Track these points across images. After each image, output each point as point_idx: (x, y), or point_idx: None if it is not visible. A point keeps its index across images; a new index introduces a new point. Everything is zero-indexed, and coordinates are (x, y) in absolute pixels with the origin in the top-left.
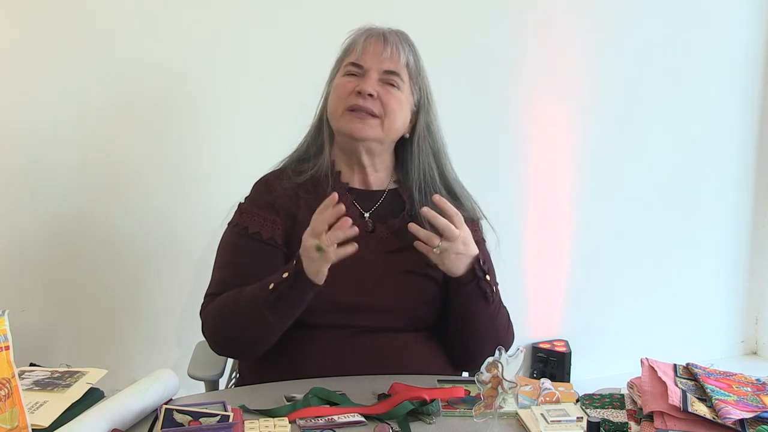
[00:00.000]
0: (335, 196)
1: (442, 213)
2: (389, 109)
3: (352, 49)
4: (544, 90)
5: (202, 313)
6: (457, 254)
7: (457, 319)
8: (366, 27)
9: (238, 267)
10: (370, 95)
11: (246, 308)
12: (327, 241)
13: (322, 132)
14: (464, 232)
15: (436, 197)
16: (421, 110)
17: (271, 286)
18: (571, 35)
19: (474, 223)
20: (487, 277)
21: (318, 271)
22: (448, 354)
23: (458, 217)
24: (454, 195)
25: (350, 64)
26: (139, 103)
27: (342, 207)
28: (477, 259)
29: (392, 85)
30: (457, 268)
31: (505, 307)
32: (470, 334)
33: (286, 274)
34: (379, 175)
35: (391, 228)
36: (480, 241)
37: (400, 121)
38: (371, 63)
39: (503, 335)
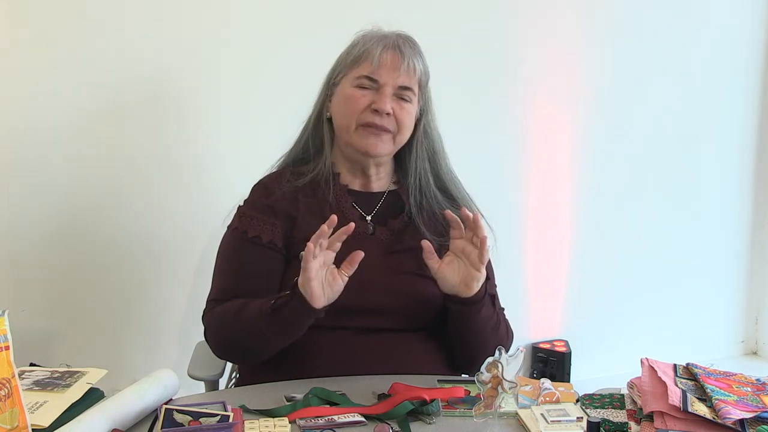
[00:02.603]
0: (325, 230)
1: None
2: (403, 125)
3: (365, 60)
4: (544, 90)
5: (204, 318)
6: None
7: (462, 334)
8: (376, 34)
9: (238, 273)
10: (387, 113)
11: (247, 321)
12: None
13: (320, 132)
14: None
15: (448, 214)
16: (422, 115)
17: (272, 302)
18: (571, 35)
19: None
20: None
21: (304, 284)
22: (448, 357)
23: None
24: (449, 196)
25: (364, 77)
26: (140, 102)
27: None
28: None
29: (405, 99)
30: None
31: (503, 309)
32: (475, 344)
33: (276, 299)
34: (380, 181)
35: (390, 229)
36: None
37: (409, 133)
38: (387, 78)
39: (505, 341)
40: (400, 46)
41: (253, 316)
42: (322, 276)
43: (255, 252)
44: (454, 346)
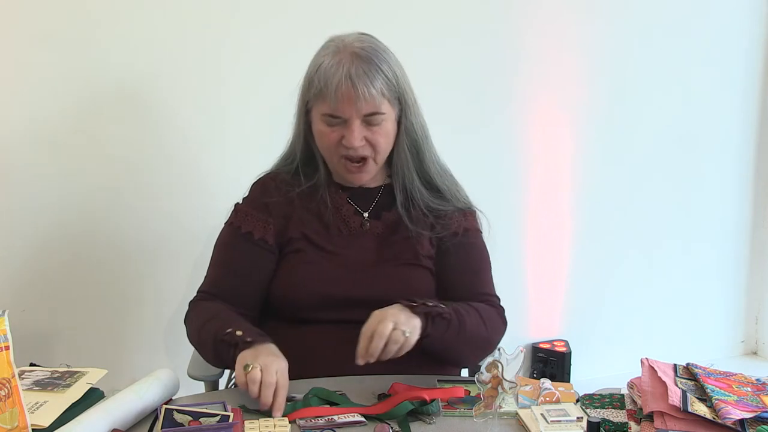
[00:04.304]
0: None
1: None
2: (378, 147)
3: (324, 97)
4: (545, 89)
5: (190, 305)
6: (403, 329)
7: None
8: (330, 60)
9: (228, 266)
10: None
11: (204, 337)
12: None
13: (311, 150)
14: (379, 326)
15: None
16: (402, 115)
17: (224, 332)
18: (571, 35)
19: (466, 213)
20: (429, 303)
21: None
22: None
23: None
24: (435, 190)
25: (328, 115)
26: (140, 103)
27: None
28: (413, 307)
29: (375, 123)
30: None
31: (496, 299)
32: (447, 353)
33: (231, 333)
34: (375, 178)
35: (385, 222)
36: (474, 230)
37: (389, 146)
38: (349, 112)
39: (485, 334)
40: (353, 77)
41: (209, 336)
42: None
43: (246, 247)
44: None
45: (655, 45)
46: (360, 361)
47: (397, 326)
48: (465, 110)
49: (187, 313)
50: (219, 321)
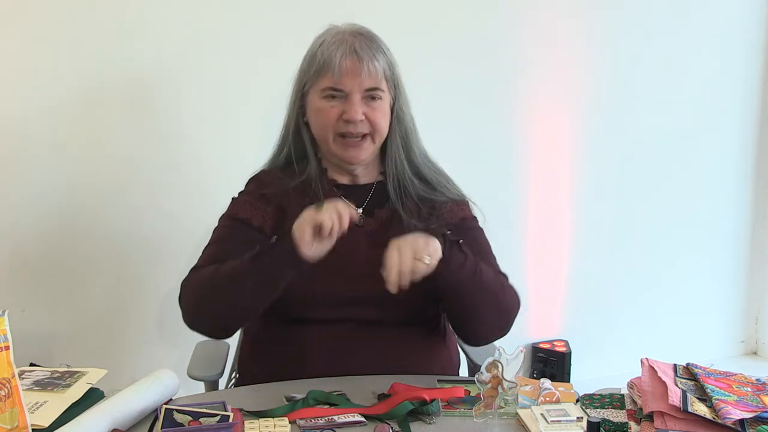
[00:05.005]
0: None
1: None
2: (378, 125)
3: (327, 71)
4: (545, 90)
5: (183, 284)
6: (423, 256)
7: (448, 297)
8: (333, 38)
9: (227, 244)
10: (360, 120)
11: (228, 271)
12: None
13: (301, 139)
14: (403, 247)
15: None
16: (395, 102)
17: (258, 248)
18: (571, 33)
19: (459, 203)
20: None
21: (299, 227)
22: (458, 334)
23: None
24: (425, 181)
25: (329, 89)
26: (138, 102)
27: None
28: (440, 236)
29: (375, 98)
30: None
31: (490, 268)
32: (468, 303)
33: (262, 247)
34: (368, 174)
35: (378, 219)
36: (470, 218)
37: (386, 128)
38: (351, 85)
39: (501, 296)
40: (357, 50)
41: (236, 264)
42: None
43: (244, 232)
44: (449, 308)
45: (654, 46)
46: (393, 290)
47: (417, 255)
48: (466, 111)
49: (182, 287)
50: (232, 261)
